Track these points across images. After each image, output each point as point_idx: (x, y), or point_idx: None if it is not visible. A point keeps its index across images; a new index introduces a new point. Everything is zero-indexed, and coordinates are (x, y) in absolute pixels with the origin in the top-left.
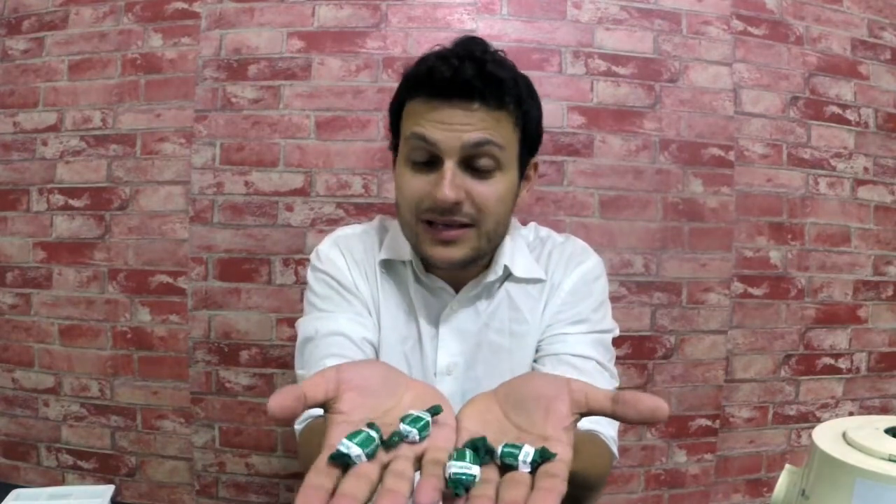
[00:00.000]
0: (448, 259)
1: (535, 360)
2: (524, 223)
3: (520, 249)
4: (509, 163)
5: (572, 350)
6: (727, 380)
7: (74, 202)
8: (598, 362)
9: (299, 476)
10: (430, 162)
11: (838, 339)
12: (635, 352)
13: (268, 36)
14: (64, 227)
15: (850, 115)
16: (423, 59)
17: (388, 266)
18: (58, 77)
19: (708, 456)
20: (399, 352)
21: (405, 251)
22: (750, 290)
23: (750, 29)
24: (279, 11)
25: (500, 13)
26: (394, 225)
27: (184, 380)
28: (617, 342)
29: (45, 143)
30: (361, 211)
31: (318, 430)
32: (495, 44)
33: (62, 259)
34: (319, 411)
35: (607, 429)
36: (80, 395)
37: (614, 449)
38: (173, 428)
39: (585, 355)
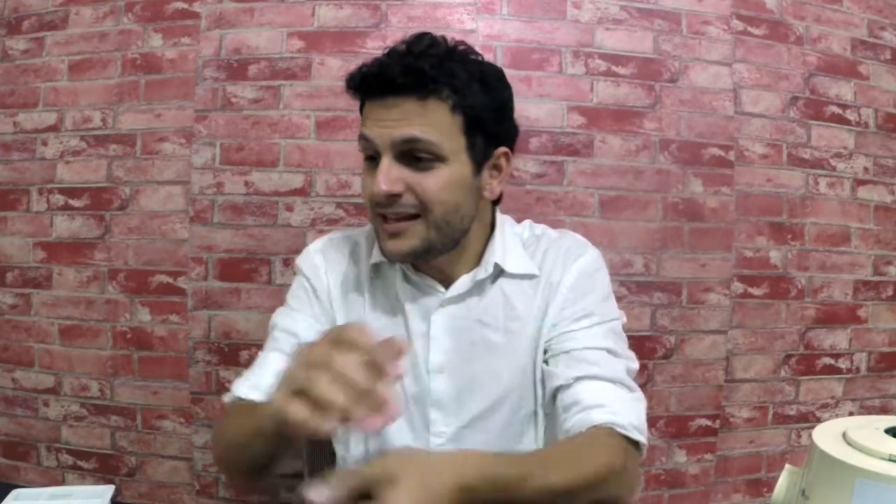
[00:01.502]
0: (396, 250)
1: (545, 361)
2: (519, 221)
3: (512, 246)
4: (453, 152)
5: (583, 344)
6: (727, 380)
7: (74, 202)
8: (608, 350)
9: (299, 476)
10: (375, 160)
11: (838, 339)
12: (635, 352)
13: (268, 36)
14: (64, 227)
15: (850, 115)
16: (363, 65)
17: (377, 269)
18: (58, 77)
19: (708, 456)
20: None
21: None
22: (750, 290)
23: (750, 29)
24: (279, 11)
25: (500, 13)
26: None
27: (184, 380)
28: None
29: (45, 143)
30: (361, 211)
31: (243, 411)
32: (495, 44)
33: (62, 259)
34: (247, 392)
35: (623, 415)
36: (80, 395)
37: (637, 437)
38: (173, 428)
39: (596, 346)
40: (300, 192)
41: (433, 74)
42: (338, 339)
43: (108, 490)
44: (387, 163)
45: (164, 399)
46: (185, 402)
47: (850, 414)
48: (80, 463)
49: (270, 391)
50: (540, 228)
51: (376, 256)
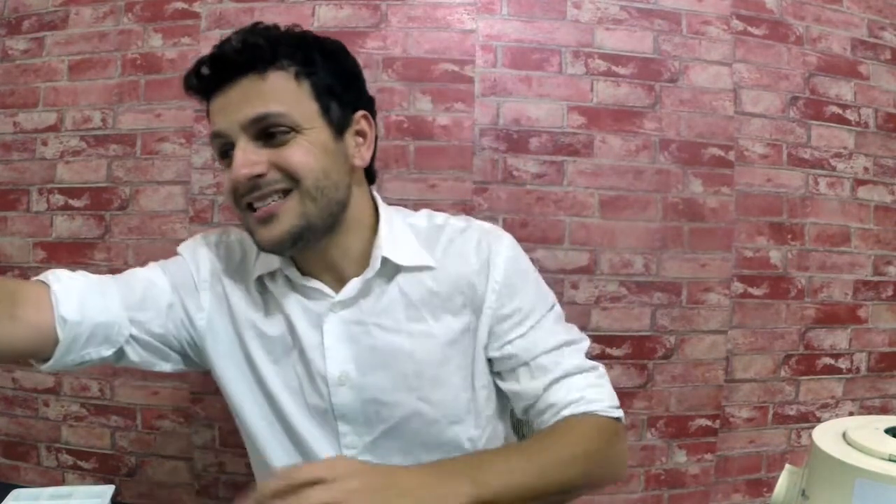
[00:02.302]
0: (271, 237)
1: (498, 374)
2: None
3: (402, 237)
4: (307, 120)
5: (539, 348)
6: (727, 380)
7: (74, 202)
8: (564, 344)
9: None
10: (227, 154)
11: (838, 339)
12: (635, 352)
13: None
14: (64, 227)
15: (850, 115)
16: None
17: (262, 283)
18: (58, 77)
19: (708, 456)
20: (289, 367)
21: (273, 260)
22: (750, 290)
23: (750, 29)
24: (279, 11)
25: (500, 13)
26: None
27: (184, 380)
28: (617, 342)
29: (45, 143)
30: None
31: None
32: (495, 44)
33: (62, 259)
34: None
35: (598, 400)
36: (80, 394)
37: (616, 414)
38: (173, 428)
39: (552, 347)
40: None
41: (269, 45)
42: None
43: (108, 490)
44: (242, 146)
45: (164, 399)
46: (185, 402)
47: (850, 414)
48: (80, 463)
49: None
50: (441, 218)
51: (260, 268)
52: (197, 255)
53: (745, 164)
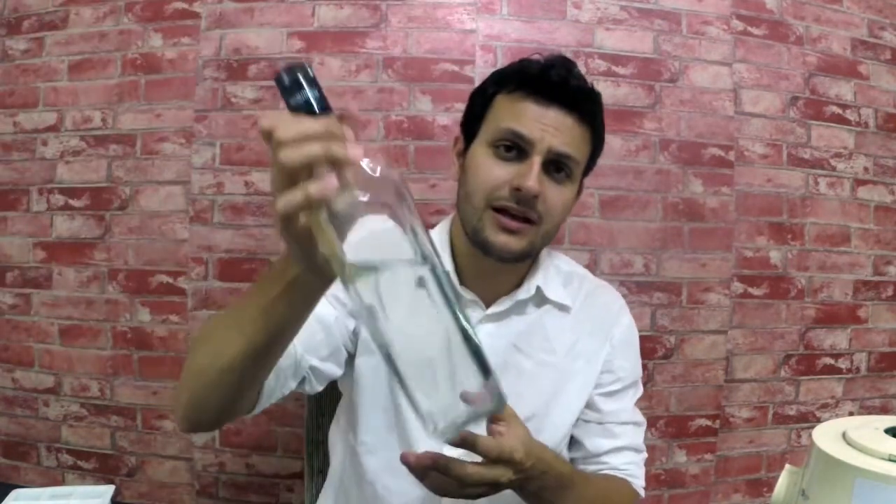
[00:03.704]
0: (509, 248)
1: (583, 419)
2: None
3: (551, 275)
4: (577, 176)
5: (618, 417)
6: (727, 380)
7: (74, 202)
8: (635, 424)
9: (299, 476)
10: (515, 154)
11: (838, 339)
12: None
13: (268, 36)
14: (64, 227)
15: (850, 115)
16: (527, 61)
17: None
18: (58, 77)
19: (708, 456)
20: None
21: (444, 261)
22: (750, 290)
23: (750, 29)
24: (279, 11)
25: (500, 13)
26: (433, 234)
27: None
28: None
29: (45, 143)
30: None
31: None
32: (495, 44)
33: (62, 259)
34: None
35: (638, 477)
36: (80, 395)
37: (642, 494)
38: (173, 428)
39: (627, 421)
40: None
41: (599, 107)
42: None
43: (108, 490)
44: (538, 163)
45: (164, 399)
46: None
47: (850, 414)
48: (80, 463)
49: None
50: (581, 269)
51: None
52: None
53: (745, 164)
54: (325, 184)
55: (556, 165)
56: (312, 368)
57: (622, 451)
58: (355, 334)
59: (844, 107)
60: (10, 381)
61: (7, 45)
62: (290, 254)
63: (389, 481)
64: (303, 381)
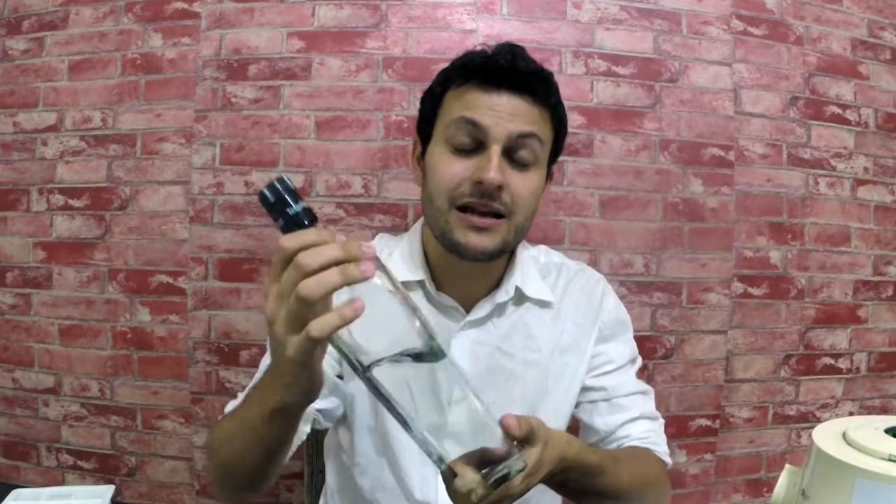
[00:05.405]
0: (481, 247)
1: (578, 405)
2: (532, 242)
3: (529, 270)
4: (542, 160)
5: (623, 390)
6: (727, 380)
7: (74, 202)
8: (642, 393)
9: (299, 476)
10: (473, 148)
11: (838, 339)
12: None
13: (268, 36)
14: (64, 227)
15: (850, 115)
16: (471, 53)
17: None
18: (58, 77)
19: (708, 456)
20: None
21: (418, 269)
22: (750, 290)
23: (750, 29)
24: (279, 11)
25: (500, 13)
26: (403, 241)
27: (184, 380)
28: None
29: (45, 143)
30: (361, 211)
31: (236, 416)
32: (495, 44)
33: (62, 259)
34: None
35: (660, 444)
36: (80, 395)
37: (668, 460)
38: (173, 428)
39: (633, 391)
40: (300, 192)
41: (553, 86)
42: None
43: (108, 490)
44: (498, 153)
45: (164, 399)
46: (185, 402)
47: (850, 414)
48: (80, 463)
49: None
50: (557, 256)
51: (409, 273)
52: None
53: (745, 164)
54: (356, 309)
55: (517, 150)
56: (320, 411)
57: (637, 421)
58: (339, 363)
59: (844, 107)
60: (10, 381)
61: (7, 45)
62: (274, 380)
63: (388, 502)
64: (313, 421)
